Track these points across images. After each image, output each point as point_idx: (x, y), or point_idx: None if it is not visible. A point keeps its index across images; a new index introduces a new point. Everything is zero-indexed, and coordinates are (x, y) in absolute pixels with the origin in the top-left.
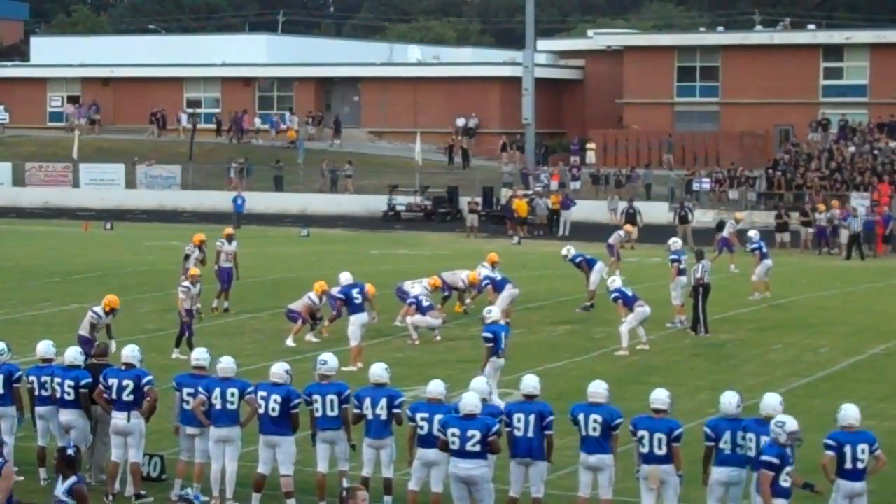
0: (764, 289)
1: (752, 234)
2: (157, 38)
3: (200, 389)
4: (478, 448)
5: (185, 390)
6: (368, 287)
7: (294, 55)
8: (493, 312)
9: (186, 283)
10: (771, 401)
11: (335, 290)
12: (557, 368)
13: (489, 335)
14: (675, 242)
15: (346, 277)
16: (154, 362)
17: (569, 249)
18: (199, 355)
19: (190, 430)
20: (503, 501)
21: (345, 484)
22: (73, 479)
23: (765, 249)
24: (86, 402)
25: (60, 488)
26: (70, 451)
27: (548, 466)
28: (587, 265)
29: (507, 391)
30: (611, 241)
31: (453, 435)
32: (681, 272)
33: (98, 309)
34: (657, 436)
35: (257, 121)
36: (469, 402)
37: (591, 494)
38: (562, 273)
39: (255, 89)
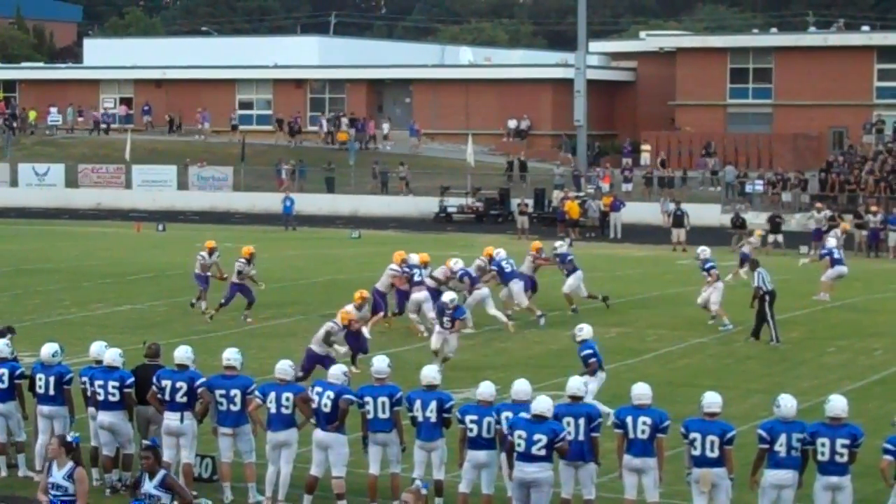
0: (828, 289)
1: (831, 240)
2: (210, 39)
3: (257, 393)
4: (543, 452)
5: (218, 392)
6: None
7: (346, 57)
8: (585, 330)
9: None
10: (839, 403)
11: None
12: (609, 371)
13: (590, 351)
14: (704, 251)
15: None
16: (205, 363)
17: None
18: (231, 356)
19: (223, 430)
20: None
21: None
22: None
23: (836, 255)
24: (129, 403)
25: (148, 485)
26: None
27: (596, 469)
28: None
29: (558, 394)
30: (745, 249)
31: (520, 437)
32: (717, 277)
33: (203, 252)
34: (709, 438)
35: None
36: (542, 407)
37: (637, 497)
38: (614, 275)
39: (307, 91)
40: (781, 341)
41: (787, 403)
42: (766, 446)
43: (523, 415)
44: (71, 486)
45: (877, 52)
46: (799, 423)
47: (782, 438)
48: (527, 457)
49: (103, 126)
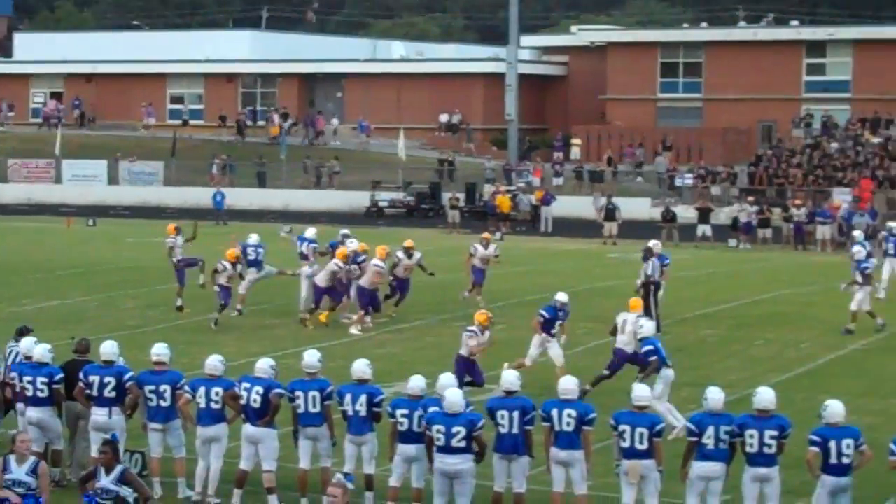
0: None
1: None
2: (141, 34)
3: (187, 388)
4: (463, 444)
5: (147, 387)
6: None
7: (278, 51)
8: (646, 327)
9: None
10: (767, 395)
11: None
12: (541, 364)
13: (651, 347)
14: (656, 245)
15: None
16: (136, 359)
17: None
18: (160, 351)
19: (153, 425)
20: (483, 497)
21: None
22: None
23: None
24: (58, 399)
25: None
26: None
27: (529, 462)
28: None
29: (489, 387)
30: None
31: (438, 431)
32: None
33: (224, 262)
34: (639, 430)
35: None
36: (453, 400)
37: (566, 490)
38: (545, 269)
39: (239, 85)
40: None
41: (715, 396)
42: (695, 439)
43: (436, 408)
44: (34, 480)
45: (805, 46)
46: (727, 415)
47: (710, 431)
48: (447, 449)
49: (54, 121)
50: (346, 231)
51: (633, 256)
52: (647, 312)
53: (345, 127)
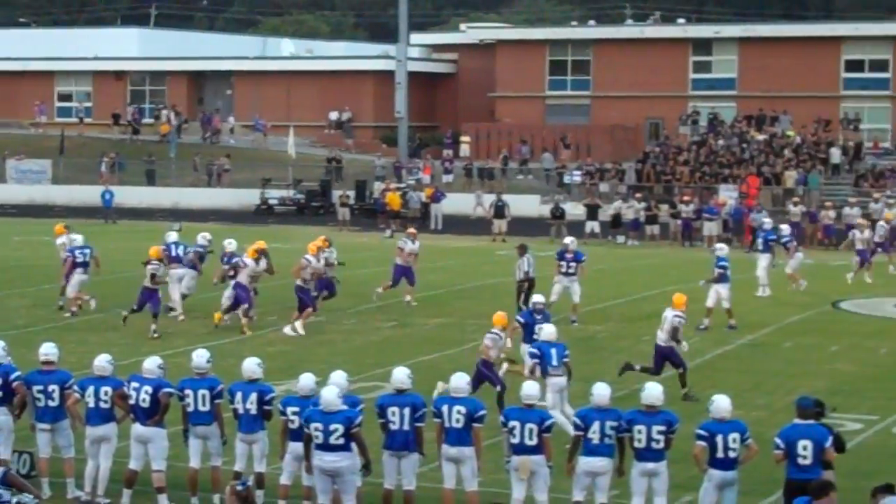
0: (795, 280)
1: (785, 227)
2: (28, 31)
3: (76, 388)
4: (342, 441)
5: (35, 387)
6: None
7: (166, 49)
8: (546, 331)
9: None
10: (654, 391)
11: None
12: (429, 361)
13: (535, 351)
14: (572, 242)
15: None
16: (24, 358)
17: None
18: (48, 350)
19: (41, 426)
20: (373, 494)
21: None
22: None
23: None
24: None
25: None
26: None
27: (419, 459)
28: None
29: (378, 384)
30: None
31: (316, 429)
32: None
33: (247, 259)
34: (528, 426)
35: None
36: (328, 398)
37: (457, 486)
38: (434, 266)
39: (128, 83)
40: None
41: (601, 392)
42: (581, 433)
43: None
44: (7, 493)
45: (692, 44)
46: (613, 410)
47: (596, 426)
48: (326, 447)
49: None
50: (207, 235)
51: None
52: (519, 310)
53: (240, 125)
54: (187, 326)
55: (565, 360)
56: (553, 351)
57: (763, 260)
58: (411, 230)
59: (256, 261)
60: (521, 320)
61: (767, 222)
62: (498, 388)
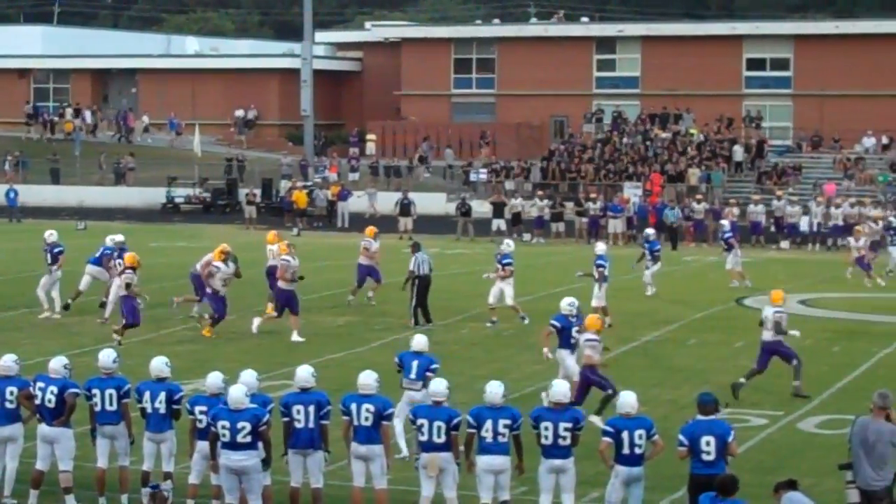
0: (741, 277)
1: (725, 223)
2: None
3: None
4: (249, 439)
5: None
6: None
7: (70, 47)
8: (416, 340)
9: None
10: (561, 388)
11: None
12: (338, 359)
13: (397, 360)
14: (508, 245)
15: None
16: None
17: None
18: None
19: None
20: (282, 493)
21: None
22: None
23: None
24: None
25: None
26: None
27: (325, 456)
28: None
29: (286, 382)
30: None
31: (223, 427)
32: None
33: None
34: (436, 424)
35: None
36: (236, 396)
37: (366, 484)
38: (341, 264)
39: (31, 81)
40: (421, 324)
41: (493, 390)
42: (474, 431)
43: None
44: None
45: (596, 42)
46: (506, 408)
47: (488, 424)
48: (233, 445)
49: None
50: (120, 238)
51: (428, 251)
52: (416, 308)
53: (151, 123)
54: (93, 326)
55: (429, 373)
56: (415, 363)
57: (731, 257)
58: (372, 228)
59: (225, 262)
60: (557, 325)
61: (725, 223)
62: (609, 391)
